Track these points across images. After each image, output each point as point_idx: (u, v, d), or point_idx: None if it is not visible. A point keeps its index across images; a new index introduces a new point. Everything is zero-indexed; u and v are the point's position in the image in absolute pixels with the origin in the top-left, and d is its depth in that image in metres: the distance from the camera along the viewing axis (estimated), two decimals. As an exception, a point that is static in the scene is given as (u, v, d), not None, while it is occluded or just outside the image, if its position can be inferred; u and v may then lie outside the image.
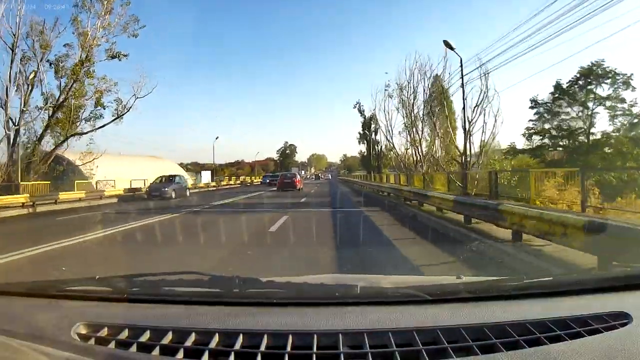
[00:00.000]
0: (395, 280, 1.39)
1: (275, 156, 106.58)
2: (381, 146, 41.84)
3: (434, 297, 1.04)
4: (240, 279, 1.12)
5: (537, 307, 1.00)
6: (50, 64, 20.81)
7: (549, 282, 1.22)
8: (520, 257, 4.98)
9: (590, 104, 28.01)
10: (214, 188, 35.37)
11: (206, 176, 48.46)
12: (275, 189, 26.88)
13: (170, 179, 22.61)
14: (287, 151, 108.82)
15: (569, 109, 29.06)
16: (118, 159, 30.60)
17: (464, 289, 1.09)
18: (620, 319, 0.91)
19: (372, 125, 42.50)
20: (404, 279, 1.47)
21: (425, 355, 0.80)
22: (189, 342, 0.85)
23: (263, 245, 6.53)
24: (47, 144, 21.44)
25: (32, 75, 19.81)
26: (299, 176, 27.98)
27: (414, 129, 23.49)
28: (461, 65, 16.32)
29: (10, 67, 18.99)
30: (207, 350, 0.82)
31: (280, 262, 5.18)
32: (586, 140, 28.19)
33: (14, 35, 18.82)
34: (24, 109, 19.47)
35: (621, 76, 26.77)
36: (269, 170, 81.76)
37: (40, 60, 20.10)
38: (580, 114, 28.59)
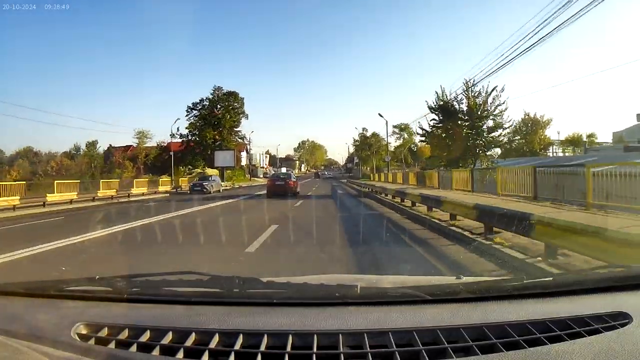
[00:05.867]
0: (395, 280, 1.39)
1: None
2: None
3: (434, 297, 1.04)
4: (240, 279, 1.12)
5: (537, 307, 1.00)
6: None
7: (549, 282, 1.22)
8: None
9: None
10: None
11: None
12: None
13: None
14: (227, 110, 41.96)
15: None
16: None
17: (464, 289, 1.09)
18: (620, 319, 0.91)
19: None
20: (404, 279, 1.47)
21: (425, 355, 0.80)
22: (189, 342, 0.85)
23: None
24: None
25: None
26: (293, 176, 21.00)
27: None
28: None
29: None
30: (207, 350, 0.82)
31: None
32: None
33: None
34: None
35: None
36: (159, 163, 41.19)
37: None
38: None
